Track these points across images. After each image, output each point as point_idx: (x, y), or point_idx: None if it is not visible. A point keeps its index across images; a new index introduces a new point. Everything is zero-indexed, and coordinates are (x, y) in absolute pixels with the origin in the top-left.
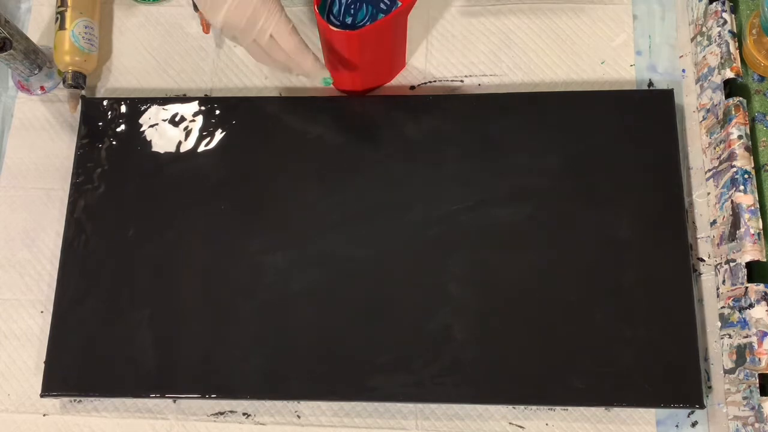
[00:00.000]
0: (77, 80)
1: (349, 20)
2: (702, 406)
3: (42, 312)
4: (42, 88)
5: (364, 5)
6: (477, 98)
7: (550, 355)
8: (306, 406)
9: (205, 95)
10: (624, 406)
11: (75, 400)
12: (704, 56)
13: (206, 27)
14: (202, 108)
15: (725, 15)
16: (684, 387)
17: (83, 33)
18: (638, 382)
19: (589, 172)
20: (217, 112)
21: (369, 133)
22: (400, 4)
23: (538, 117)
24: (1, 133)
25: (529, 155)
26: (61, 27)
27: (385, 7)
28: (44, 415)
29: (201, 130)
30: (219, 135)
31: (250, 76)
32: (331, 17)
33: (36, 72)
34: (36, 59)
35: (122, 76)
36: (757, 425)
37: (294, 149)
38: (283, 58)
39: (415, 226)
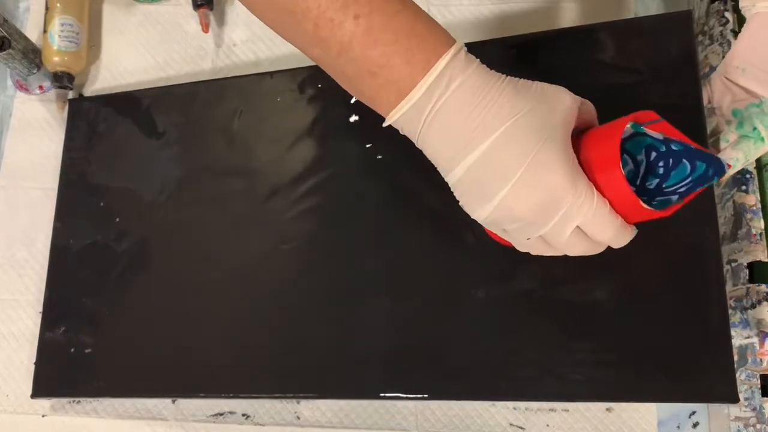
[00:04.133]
0: (61, 81)
1: (653, 182)
2: (736, 401)
3: (40, 312)
4: (40, 87)
5: (685, 161)
6: (485, 44)
7: (573, 351)
8: (305, 407)
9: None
10: (648, 401)
11: (74, 401)
12: (706, 55)
13: (205, 26)
14: (190, 98)
15: (727, 14)
16: (717, 383)
17: (59, 32)
18: (663, 377)
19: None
20: (209, 99)
21: (369, 131)
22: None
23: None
24: (0, 133)
25: None
26: (44, 30)
27: (711, 172)
28: (43, 416)
29: (191, 121)
30: (211, 123)
31: None
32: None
33: (34, 71)
34: (34, 59)
35: (121, 75)
36: (758, 426)
37: (289, 141)
38: (584, 250)
39: (416, 222)
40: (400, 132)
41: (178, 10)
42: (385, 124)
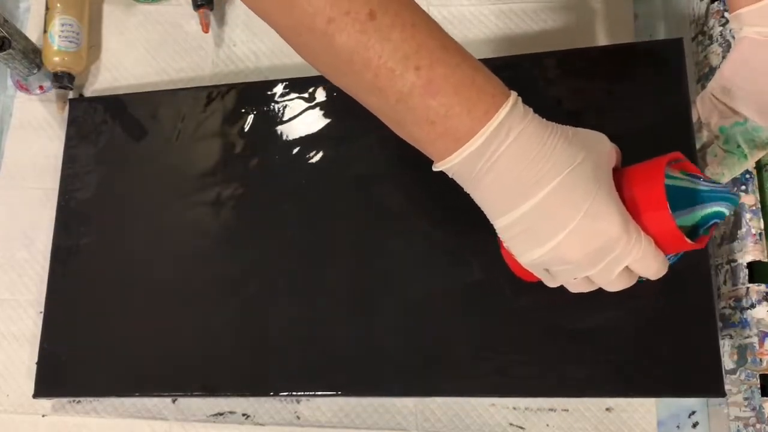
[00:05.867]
0: (61, 81)
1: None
2: (723, 395)
3: (40, 312)
4: (41, 87)
5: (705, 199)
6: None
7: (569, 346)
8: (305, 407)
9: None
10: (640, 396)
11: (74, 401)
12: (706, 55)
13: (205, 26)
14: (191, 101)
15: (727, 14)
16: (703, 376)
17: (59, 32)
18: (655, 372)
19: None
20: (209, 103)
21: (369, 126)
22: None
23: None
24: (0, 133)
25: None
26: (45, 30)
27: (726, 206)
28: (43, 416)
29: (191, 124)
30: (210, 127)
31: (249, 75)
32: None
33: (35, 71)
34: (35, 59)
35: (121, 75)
36: (758, 426)
37: (284, 141)
38: (625, 285)
39: (418, 225)
40: (449, 176)
41: (178, 10)
42: (436, 169)
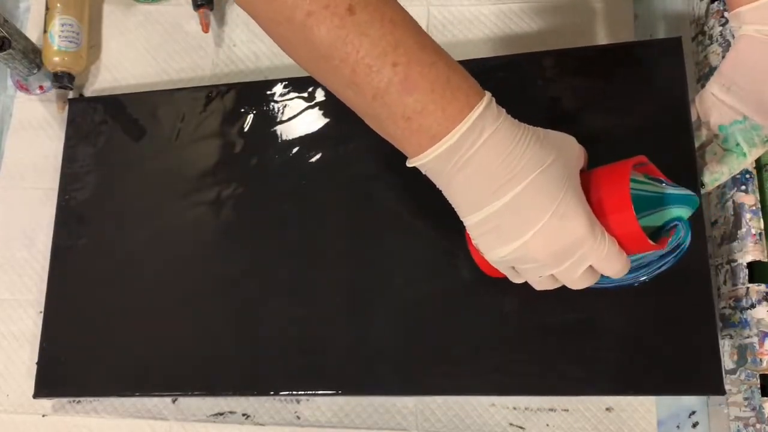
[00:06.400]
0: (61, 81)
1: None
2: (722, 393)
3: (40, 312)
4: (41, 87)
5: (665, 201)
6: (484, 62)
7: (568, 345)
8: (306, 407)
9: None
10: (640, 394)
11: (74, 401)
12: (706, 55)
13: (205, 26)
14: (191, 101)
15: (727, 14)
16: (702, 374)
17: (59, 32)
18: (655, 371)
19: (596, 135)
20: (208, 103)
21: (369, 126)
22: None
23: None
24: (0, 133)
25: (530, 119)
26: (45, 30)
27: (686, 210)
28: (43, 416)
29: (190, 124)
30: (209, 127)
31: (249, 75)
32: None
33: (35, 71)
34: (35, 59)
35: (121, 75)
36: (758, 426)
37: (284, 140)
38: (588, 283)
39: (417, 225)
40: (423, 172)
41: (178, 10)
42: (409, 164)
